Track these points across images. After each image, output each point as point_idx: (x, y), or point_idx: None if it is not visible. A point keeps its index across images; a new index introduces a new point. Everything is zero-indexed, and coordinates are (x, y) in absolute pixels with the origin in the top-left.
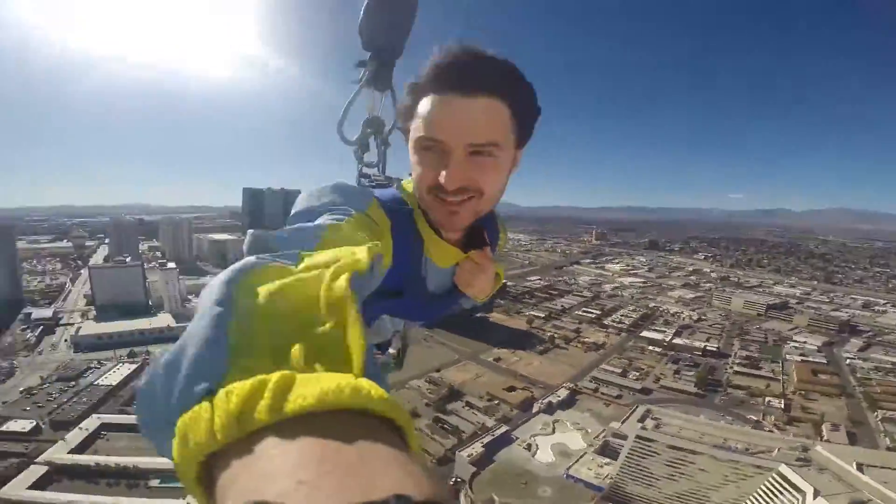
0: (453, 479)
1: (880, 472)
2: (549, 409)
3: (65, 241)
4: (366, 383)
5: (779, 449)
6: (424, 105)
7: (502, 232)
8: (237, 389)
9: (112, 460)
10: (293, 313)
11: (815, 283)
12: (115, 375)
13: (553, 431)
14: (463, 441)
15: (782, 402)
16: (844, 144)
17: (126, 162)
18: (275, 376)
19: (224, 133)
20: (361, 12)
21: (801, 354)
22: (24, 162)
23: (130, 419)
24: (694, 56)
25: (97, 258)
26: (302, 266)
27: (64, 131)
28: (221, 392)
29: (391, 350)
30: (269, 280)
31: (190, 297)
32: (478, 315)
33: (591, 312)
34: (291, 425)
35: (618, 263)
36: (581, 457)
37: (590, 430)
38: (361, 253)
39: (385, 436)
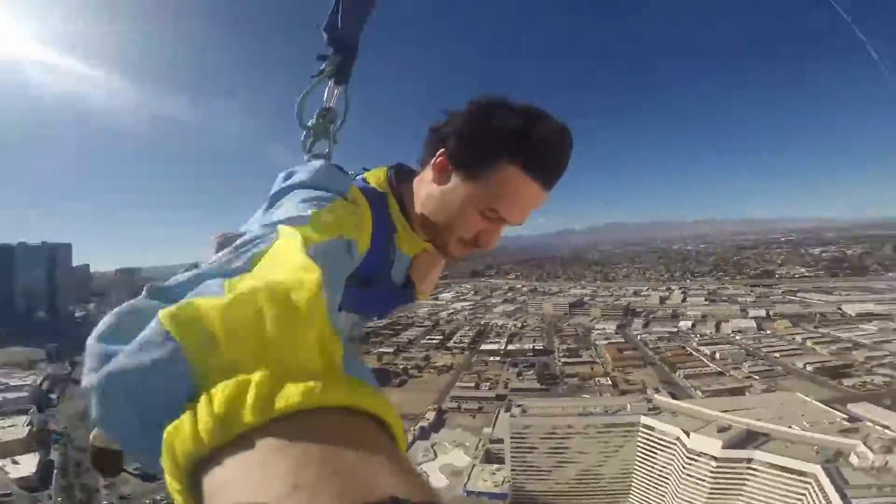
0: None
1: (717, 412)
2: (424, 433)
3: None
4: (351, 380)
5: (629, 404)
6: (511, 179)
7: None
8: (220, 391)
9: None
10: (256, 321)
11: (598, 282)
12: None
13: (435, 456)
14: None
15: (609, 379)
16: (608, 168)
17: None
18: (256, 376)
19: None
20: (332, 9)
21: (605, 338)
22: None
23: None
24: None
25: None
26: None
27: None
28: (204, 396)
29: None
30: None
31: None
32: None
33: (435, 339)
34: (280, 427)
35: (448, 293)
36: (471, 471)
37: (468, 444)
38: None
39: (375, 434)
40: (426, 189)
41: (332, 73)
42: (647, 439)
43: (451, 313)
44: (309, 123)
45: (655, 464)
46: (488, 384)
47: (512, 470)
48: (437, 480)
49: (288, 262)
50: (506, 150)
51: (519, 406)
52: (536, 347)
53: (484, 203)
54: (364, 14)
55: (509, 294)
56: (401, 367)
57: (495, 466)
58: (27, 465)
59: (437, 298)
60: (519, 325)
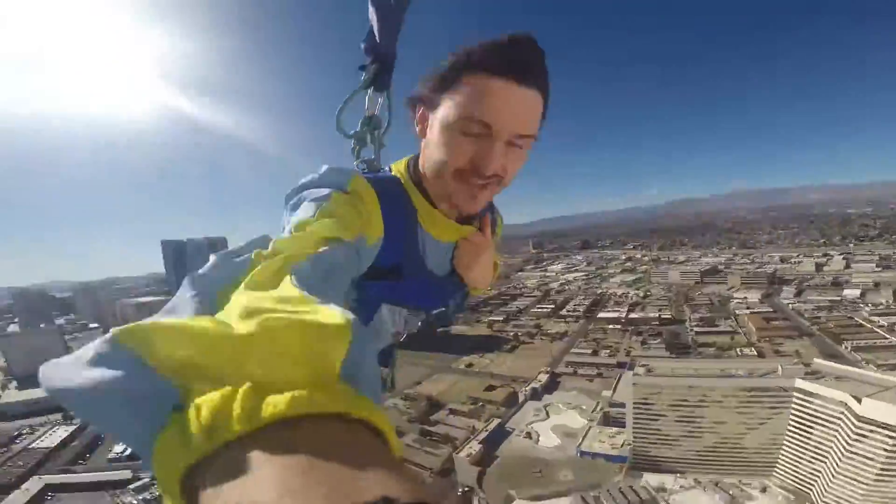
0: (460, 489)
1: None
2: (536, 395)
3: None
4: (341, 387)
5: (780, 367)
6: (476, 85)
7: (499, 218)
8: (207, 401)
9: None
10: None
11: (734, 249)
12: (51, 438)
13: (548, 416)
14: (457, 447)
15: (753, 349)
16: (734, 134)
17: (20, 235)
18: (244, 386)
19: (129, 189)
20: (371, 22)
21: (746, 307)
22: None
23: (77, 478)
24: (595, 65)
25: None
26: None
27: None
28: (192, 406)
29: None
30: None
31: None
32: (439, 330)
33: (546, 308)
34: (268, 435)
35: (558, 265)
36: (587, 432)
37: (584, 407)
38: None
39: (366, 440)
40: (422, 149)
41: (369, 82)
42: (803, 406)
43: (563, 284)
44: (351, 133)
45: (812, 435)
46: (608, 351)
47: (634, 433)
48: (549, 440)
49: (272, 275)
50: (463, 66)
51: (643, 365)
52: (663, 316)
53: (460, 117)
54: (396, 22)
55: (628, 264)
56: (511, 334)
57: (614, 429)
58: None
59: (545, 270)
60: (641, 294)
